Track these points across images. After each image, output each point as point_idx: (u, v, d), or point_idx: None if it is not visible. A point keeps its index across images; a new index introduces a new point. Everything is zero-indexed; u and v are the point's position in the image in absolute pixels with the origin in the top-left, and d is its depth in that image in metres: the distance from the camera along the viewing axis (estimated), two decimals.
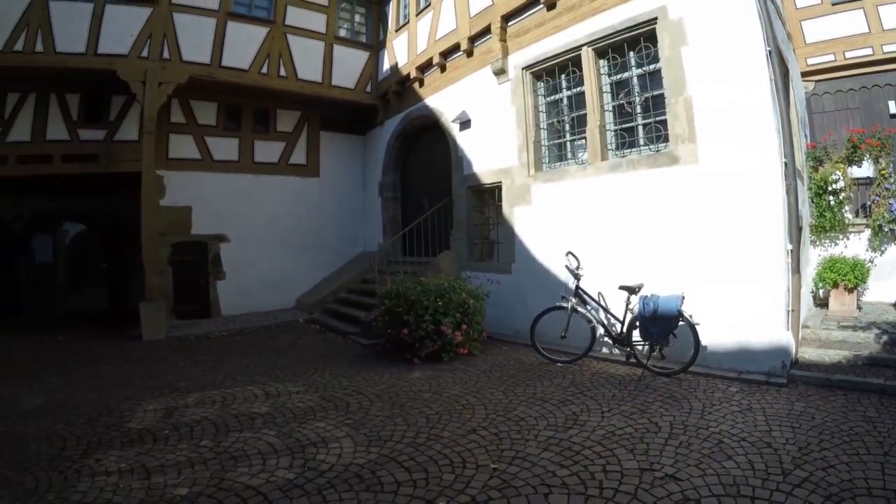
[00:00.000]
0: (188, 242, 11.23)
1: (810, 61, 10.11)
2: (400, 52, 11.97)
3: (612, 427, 4.33)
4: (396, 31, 12.18)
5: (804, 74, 9.98)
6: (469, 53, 9.80)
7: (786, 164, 5.70)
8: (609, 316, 6.64)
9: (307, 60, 11.75)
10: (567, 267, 6.98)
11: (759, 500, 3.00)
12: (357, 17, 12.96)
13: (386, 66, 12.51)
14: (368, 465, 3.82)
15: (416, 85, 11.44)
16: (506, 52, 8.84)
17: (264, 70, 11.17)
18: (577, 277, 6.87)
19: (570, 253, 7.00)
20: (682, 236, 6.34)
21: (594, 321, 6.66)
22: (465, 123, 9.91)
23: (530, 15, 8.52)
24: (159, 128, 10.42)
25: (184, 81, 10.17)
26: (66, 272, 21.96)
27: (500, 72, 8.98)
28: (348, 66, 12.44)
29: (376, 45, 12.92)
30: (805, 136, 9.04)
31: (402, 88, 12.06)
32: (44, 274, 20.74)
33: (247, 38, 10.94)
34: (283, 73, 11.48)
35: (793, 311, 5.62)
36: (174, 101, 10.86)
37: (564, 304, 6.77)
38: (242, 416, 5.07)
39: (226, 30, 10.65)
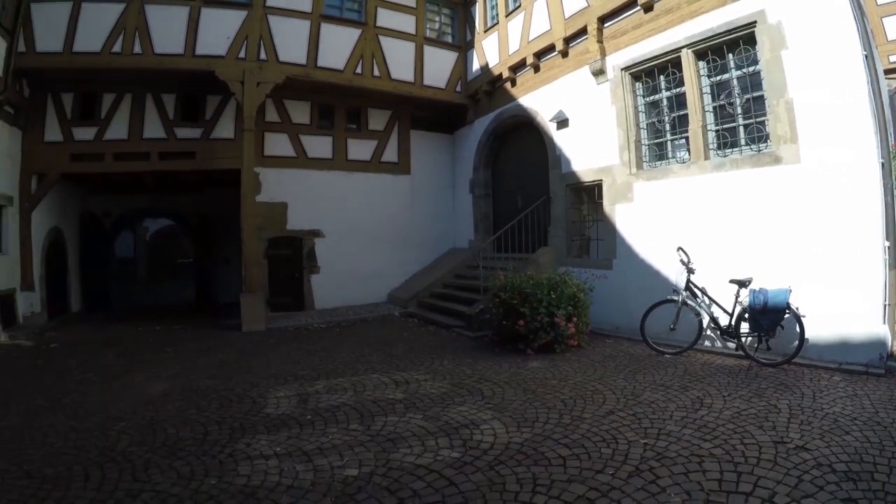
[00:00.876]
0: (283, 237, 12.74)
1: (892, 58, 10.76)
2: (490, 53, 13.16)
3: (737, 409, 5.04)
4: (485, 31, 13.36)
5: (886, 72, 10.50)
6: (564, 54, 10.82)
7: (882, 163, 6.45)
8: (718, 308, 7.46)
9: (399, 61, 13.14)
10: (682, 261, 7.75)
11: (879, 465, 3.74)
12: (443, 19, 14.30)
13: (475, 66, 13.73)
14: (527, 444, 4.36)
15: (508, 85, 12.61)
16: (603, 53, 9.68)
17: (359, 70, 12.57)
18: (690, 271, 7.68)
19: (680, 248, 7.81)
20: (783, 232, 7.09)
21: (703, 314, 7.54)
22: (562, 123, 10.86)
23: (627, 17, 9.32)
24: (255, 126, 11.64)
25: (281, 81, 11.57)
26: (145, 267, 25.87)
27: (599, 72, 9.82)
28: (438, 67, 13.78)
29: (464, 46, 14.18)
30: (890, 135, 9.92)
31: (492, 88, 13.29)
32: (124, 268, 23.94)
33: (340, 40, 12.39)
34: (376, 73, 12.83)
35: (890, 305, 6.36)
36: (269, 101, 12.18)
37: (675, 298, 7.66)
38: (380, 401, 5.66)
39: (320, 31, 12.12)
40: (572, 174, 10.65)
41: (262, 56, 11.71)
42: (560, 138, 10.98)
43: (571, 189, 10.81)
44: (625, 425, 4.76)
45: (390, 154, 14.28)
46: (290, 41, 12.01)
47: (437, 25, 14.29)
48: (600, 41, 9.77)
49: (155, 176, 13.65)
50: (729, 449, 4.15)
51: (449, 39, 14.38)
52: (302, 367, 7.46)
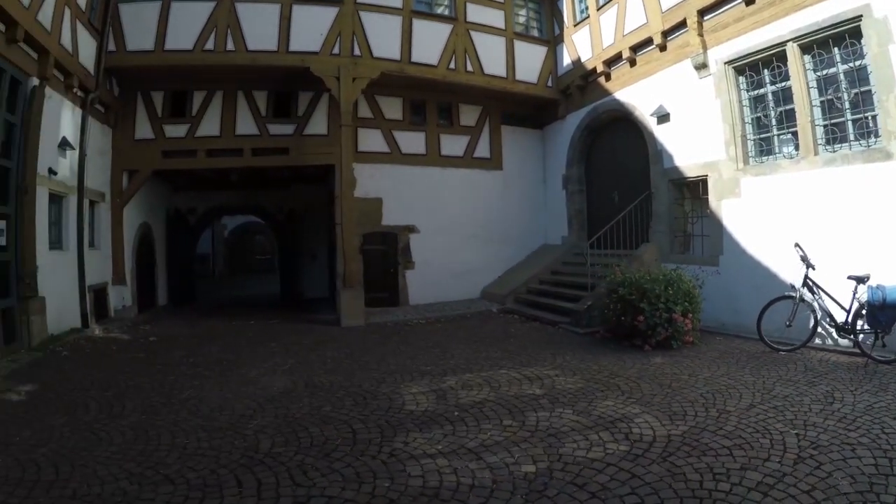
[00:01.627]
0: (378, 233, 13.68)
1: None
2: (581, 47, 13.87)
3: (867, 402, 5.41)
4: (574, 25, 14.10)
5: None
6: (662, 48, 11.37)
7: None
8: (834, 305, 7.89)
9: (490, 56, 13.96)
10: (801, 258, 8.16)
11: None
12: (529, 13, 15.16)
13: (566, 60, 14.46)
14: (688, 436, 4.67)
15: (602, 79, 13.28)
16: (705, 47, 10.13)
17: (452, 66, 13.41)
18: (809, 267, 8.08)
19: (797, 244, 8.25)
20: None
21: (819, 310, 8.00)
22: (663, 117, 11.40)
23: (728, 10, 9.77)
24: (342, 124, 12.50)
25: (376, 77, 12.40)
26: (223, 263, 28.46)
27: (702, 66, 10.29)
28: (528, 61, 14.54)
29: (552, 40, 14.93)
30: None
31: (585, 83, 13.97)
32: (202, 264, 26.06)
33: (431, 35, 13.24)
34: (469, 68, 13.64)
35: None
36: (361, 97, 12.93)
37: (793, 294, 8.10)
38: (522, 397, 5.96)
39: (412, 27, 12.99)
40: (675, 169, 11.14)
41: (356, 52, 12.58)
42: (661, 133, 11.52)
43: (674, 184, 11.33)
44: (770, 417, 5.12)
45: (482, 149, 15.16)
46: (382, 37, 12.91)
47: (523, 20, 15.09)
48: (701, 34, 10.24)
49: (241, 173, 14.90)
50: (874, 437, 4.52)
51: (536, 34, 15.20)
52: (422, 363, 7.86)
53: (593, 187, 14.51)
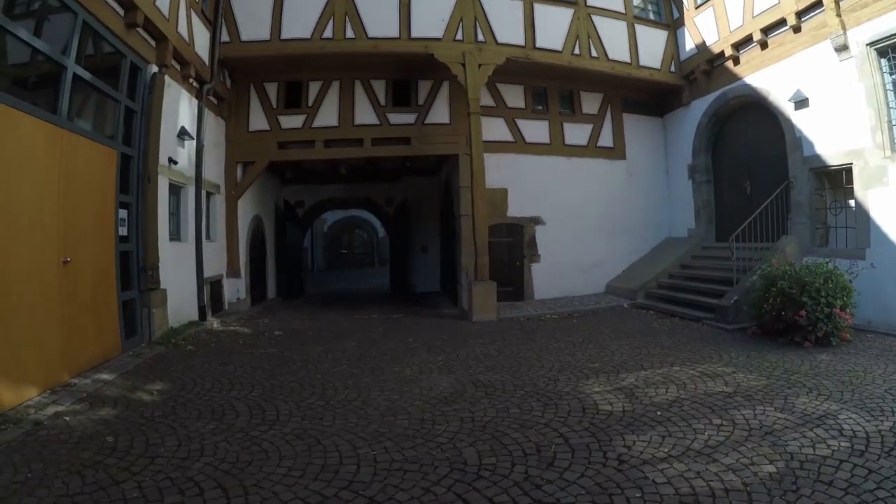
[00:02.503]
0: (503, 224, 12.88)
1: None
2: (705, 30, 12.80)
3: None
4: (696, 7, 13.02)
5: None
6: (796, 29, 10.38)
7: None
8: None
9: (613, 40, 13.03)
10: None
11: None
12: None
13: (689, 44, 13.41)
14: None
15: (730, 63, 12.21)
16: (844, 28, 9.27)
17: (576, 51, 12.55)
18: None
19: None
20: None
21: None
22: (800, 103, 10.44)
23: None
24: (468, 111, 11.77)
25: (501, 63, 11.65)
26: (322, 256, 27.88)
27: (842, 48, 9.37)
28: (650, 46, 13.55)
29: (672, 24, 13.89)
30: None
31: (711, 67, 12.91)
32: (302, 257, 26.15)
33: (554, 20, 12.38)
34: (594, 53, 12.77)
35: None
36: (482, 85, 12.24)
37: None
38: (714, 394, 5.56)
39: (533, 12, 12.19)
40: (815, 157, 10.26)
41: (480, 37, 11.85)
42: (799, 119, 10.57)
43: (814, 173, 10.44)
44: None
45: (605, 138, 14.13)
46: (504, 22, 12.11)
47: (640, 2, 14.10)
48: (839, 15, 9.37)
49: (350, 165, 14.26)
50: None
51: (653, 17, 14.16)
52: (585, 360, 7.32)
53: (721, 177, 13.38)
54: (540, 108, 13.58)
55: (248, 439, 4.67)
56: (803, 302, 7.63)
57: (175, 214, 10.39)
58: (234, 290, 12.31)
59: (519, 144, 13.18)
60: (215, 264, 11.67)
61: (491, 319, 10.84)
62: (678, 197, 14.33)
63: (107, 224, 7.87)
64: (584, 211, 13.53)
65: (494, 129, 12.91)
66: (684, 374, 6.39)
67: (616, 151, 14.24)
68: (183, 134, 10.21)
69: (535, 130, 13.35)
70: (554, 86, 13.61)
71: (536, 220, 13.26)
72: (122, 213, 8.28)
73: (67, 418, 5.10)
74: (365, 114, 12.46)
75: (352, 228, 29.95)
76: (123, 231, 8.30)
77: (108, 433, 4.75)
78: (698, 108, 13.47)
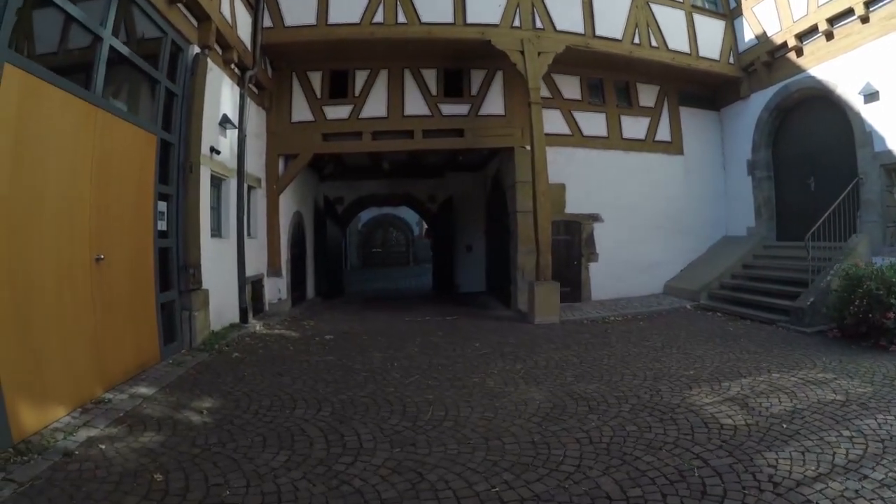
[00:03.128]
0: (561, 221, 11.54)
1: None
2: (766, 20, 11.54)
3: None
4: None
5: None
6: (864, 19, 9.32)
7: None
8: None
9: (672, 30, 11.74)
10: None
11: None
12: None
13: (748, 35, 12.10)
14: None
15: (793, 55, 11.01)
16: None
17: (636, 40, 11.30)
18: None
19: None
20: None
21: None
22: (870, 96, 9.40)
23: None
24: (525, 102, 10.58)
25: (560, 51, 10.40)
26: (356, 255, 26.31)
27: None
28: (708, 36, 12.23)
29: (728, 13, 12.59)
30: None
31: (772, 59, 11.62)
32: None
33: (612, 7, 11.12)
34: (653, 43, 11.51)
35: None
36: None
37: None
38: (830, 403, 4.93)
39: None
40: (887, 153, 9.27)
41: (538, 24, 10.62)
42: (869, 113, 9.54)
43: (885, 170, 9.45)
44: None
45: (663, 132, 12.76)
46: (562, 9, 10.85)
47: None
48: None
49: (392, 161, 13.10)
50: None
51: (709, 6, 12.78)
52: (675, 367, 6.46)
53: (781, 173, 12.12)
54: (596, 100, 12.21)
55: (333, 476, 3.68)
56: (891, 303, 7.04)
57: (216, 209, 9.16)
58: (276, 290, 11.13)
59: (576, 137, 11.84)
60: (256, 263, 10.44)
61: (553, 322, 9.69)
62: (736, 194, 12.93)
63: (145, 217, 6.67)
64: (641, 208, 12.19)
65: (551, 121, 11.50)
66: (787, 381, 5.70)
67: (673, 146, 12.87)
68: (225, 122, 8.99)
69: (593, 123, 12.03)
70: (610, 77, 12.37)
71: (594, 218, 11.97)
72: (162, 206, 7.08)
73: (103, 446, 4.09)
74: (415, 104, 11.30)
75: (386, 226, 28.54)
76: (163, 225, 7.10)
77: (156, 468, 3.75)
78: (758, 101, 12.19)
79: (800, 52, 11.02)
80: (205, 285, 7.89)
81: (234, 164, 9.46)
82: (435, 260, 16.97)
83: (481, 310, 11.91)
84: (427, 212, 16.63)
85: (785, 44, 11.20)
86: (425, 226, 28.91)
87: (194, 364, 6.71)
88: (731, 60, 12.54)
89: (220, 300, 8.63)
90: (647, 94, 12.70)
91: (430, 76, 11.38)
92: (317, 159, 12.69)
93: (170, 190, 7.35)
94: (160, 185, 7.05)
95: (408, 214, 27.07)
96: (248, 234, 10.23)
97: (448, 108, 11.36)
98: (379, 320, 10.64)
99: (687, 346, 7.56)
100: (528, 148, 10.85)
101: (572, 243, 11.88)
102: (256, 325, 9.40)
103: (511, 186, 11.57)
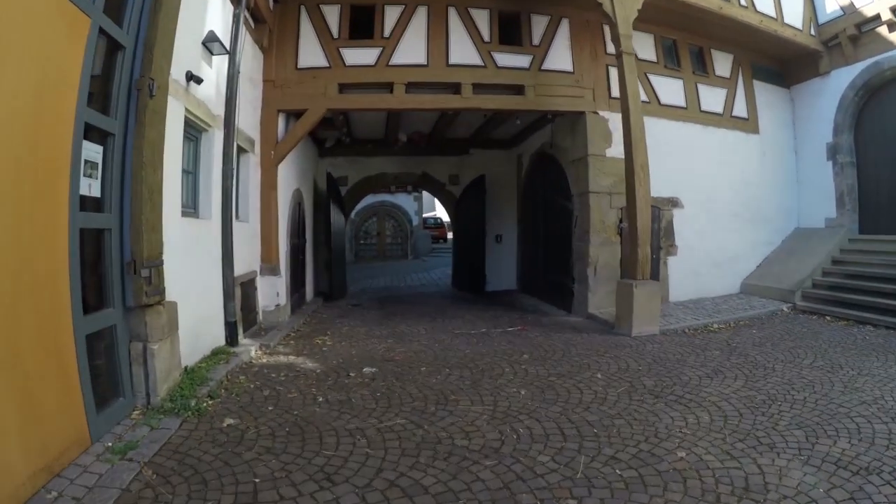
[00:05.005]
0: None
1: None
2: None
3: None
4: None
5: None
6: None
7: None
8: None
9: None
10: None
11: None
12: None
13: (830, 5, 8.88)
14: None
15: (885, 29, 8.14)
16: None
17: None
18: None
19: None
20: None
21: None
22: None
23: None
24: (594, 58, 7.47)
25: None
26: (350, 248, 19.24)
27: None
28: (789, 3, 8.92)
29: None
30: None
31: (858, 32, 8.52)
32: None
33: None
34: (742, 1, 8.10)
35: None
36: (606, 29, 7.52)
37: None
38: None
39: None
40: None
41: None
42: None
43: None
44: None
45: (739, 108, 9.15)
46: None
47: None
48: None
49: (412, 132, 9.25)
50: None
51: None
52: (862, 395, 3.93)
53: (867, 159, 8.94)
54: (672, 64, 8.39)
55: None
56: None
57: (192, 174, 5.11)
58: (272, 293, 7.01)
59: (653, 105, 8.00)
60: (247, 257, 6.42)
61: (653, 333, 6.36)
62: (809, 180, 9.52)
63: (52, 169, 2.78)
64: (719, 192, 8.61)
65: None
66: None
67: (750, 123, 9.25)
68: (212, 42, 4.97)
69: (670, 90, 8.23)
70: (684, 40, 8.62)
71: (674, 203, 8.18)
72: (92, 151, 3.20)
73: None
74: (463, 51, 7.31)
75: (383, 215, 22.76)
76: (92, 187, 3.22)
77: None
78: (841, 78, 9.00)
79: (892, 27, 8.14)
80: (171, 295, 3.92)
81: (220, 111, 5.39)
82: (457, 253, 12.36)
83: (534, 314, 8.06)
84: (447, 196, 11.98)
85: (877, 16, 8.25)
86: (425, 215, 24.25)
87: (155, 451, 3.01)
88: (812, 32, 9.11)
89: (197, 315, 4.64)
90: (721, 64, 8.98)
91: (481, 18, 7.41)
92: (320, 126, 8.73)
93: (110, 125, 3.38)
94: (90, 113, 3.11)
95: (405, 202, 22.12)
96: (237, 217, 6.23)
97: (504, 59, 7.41)
98: (419, 335, 6.63)
99: (855, 362, 4.93)
100: (602, 114, 7.50)
101: (650, 233, 8.09)
102: (251, 350, 5.37)
103: (577, 161, 7.80)
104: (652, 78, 8.01)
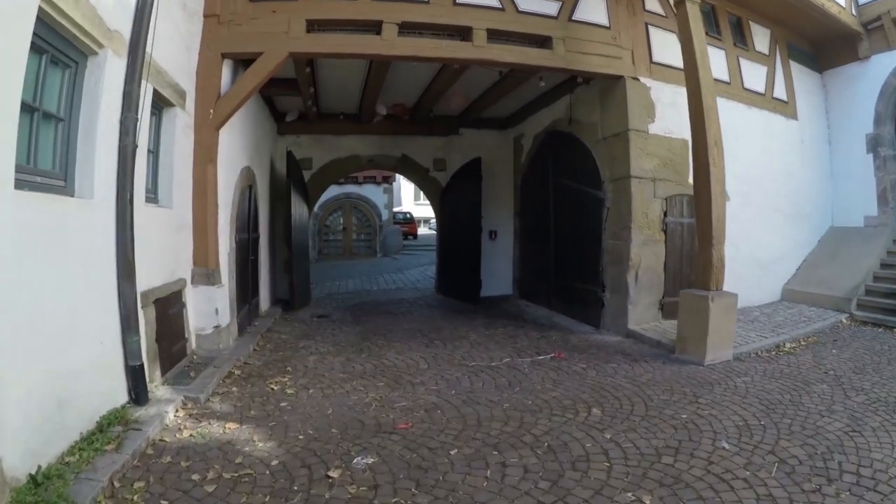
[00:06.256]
0: (684, 196, 5.79)
1: None
2: None
3: None
4: None
5: None
6: None
7: None
8: None
9: None
10: None
11: None
12: None
13: None
14: None
15: None
16: None
17: None
18: None
19: None
20: None
21: None
22: None
23: None
24: (631, 13, 5.43)
25: None
26: (313, 244, 15.83)
27: None
28: None
29: None
30: None
31: None
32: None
33: None
34: None
35: None
36: None
37: None
38: None
39: None
40: None
41: None
42: None
43: None
44: None
45: (779, 89, 7.25)
46: None
47: None
48: None
49: (394, 104, 6.94)
50: None
51: None
52: None
53: None
54: (713, 32, 6.38)
55: None
56: None
57: (64, 122, 2.73)
58: (209, 310, 4.56)
59: None
60: (168, 258, 4.07)
61: (726, 359, 4.59)
62: (845, 174, 7.84)
63: None
64: (762, 183, 6.74)
65: (665, 46, 5.81)
66: None
67: (789, 107, 7.36)
68: None
69: (713, 62, 5.92)
70: (723, 7, 6.66)
71: None
72: None
73: None
74: None
75: (348, 208, 19.26)
76: None
77: None
78: (883, 64, 7.43)
79: None
80: None
81: (127, 28, 3.11)
82: (442, 252, 9.41)
83: (555, 331, 5.86)
84: (431, 184, 9.17)
85: None
86: (395, 209, 21.24)
87: None
88: (853, 12, 7.35)
89: (57, 368, 2.37)
90: (760, 38, 7.08)
91: None
92: (280, 89, 6.30)
93: None
94: None
95: (374, 194, 19.00)
96: (152, 198, 3.88)
97: (527, 2, 5.20)
98: (418, 371, 4.34)
99: None
100: (643, 80, 5.55)
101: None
102: (168, 411, 3.11)
103: (611, 139, 5.70)
104: None
